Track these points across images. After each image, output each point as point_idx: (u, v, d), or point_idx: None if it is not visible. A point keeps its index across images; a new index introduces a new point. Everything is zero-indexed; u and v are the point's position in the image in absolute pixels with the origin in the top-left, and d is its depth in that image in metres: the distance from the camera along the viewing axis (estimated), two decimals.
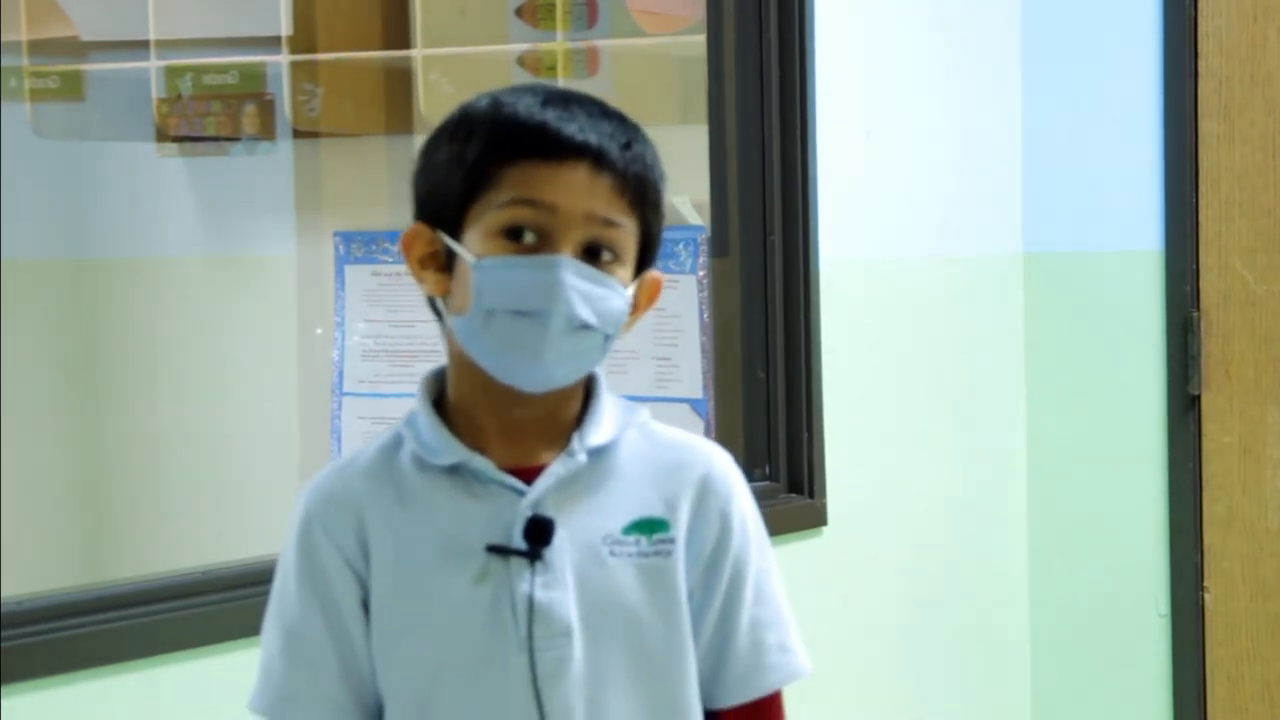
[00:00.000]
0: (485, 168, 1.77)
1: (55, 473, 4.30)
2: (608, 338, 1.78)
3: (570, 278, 1.74)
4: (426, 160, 1.83)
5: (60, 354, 4.33)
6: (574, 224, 1.75)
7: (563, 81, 3.82)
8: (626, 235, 1.79)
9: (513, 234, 1.75)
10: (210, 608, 2.58)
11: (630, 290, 1.80)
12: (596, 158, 1.76)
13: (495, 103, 1.80)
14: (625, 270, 1.79)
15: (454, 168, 1.79)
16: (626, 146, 1.78)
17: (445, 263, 1.80)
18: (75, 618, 2.46)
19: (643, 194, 1.80)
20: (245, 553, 2.75)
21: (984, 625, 4.00)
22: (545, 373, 1.77)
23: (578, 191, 1.75)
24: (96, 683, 2.45)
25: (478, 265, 1.76)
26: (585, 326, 1.76)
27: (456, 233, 1.78)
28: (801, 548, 3.49)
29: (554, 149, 1.76)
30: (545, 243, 1.75)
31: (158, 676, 2.52)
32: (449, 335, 1.82)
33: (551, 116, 1.77)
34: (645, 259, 1.82)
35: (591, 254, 1.76)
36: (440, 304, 1.82)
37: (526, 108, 1.78)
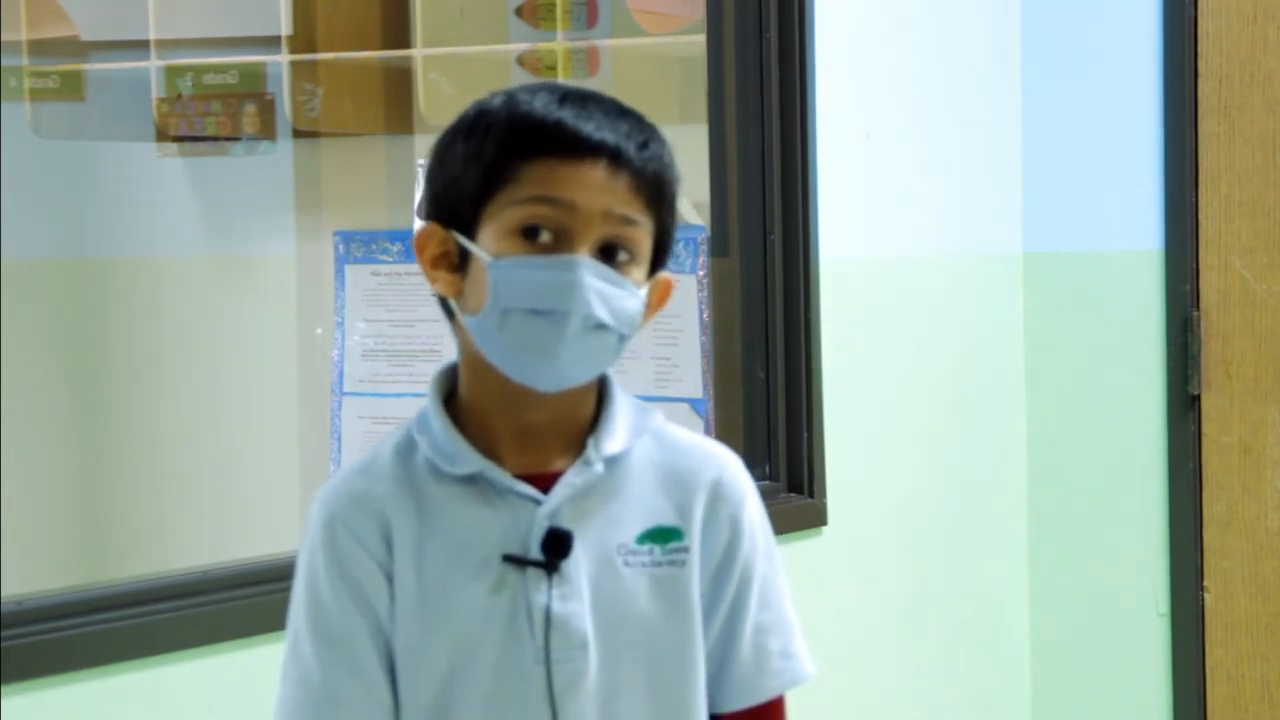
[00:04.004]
0: (502, 165, 1.75)
1: (55, 473, 4.29)
2: (623, 338, 1.78)
3: (588, 278, 1.73)
4: (440, 158, 1.81)
5: (60, 354, 4.32)
6: (592, 222, 1.74)
7: (564, 81, 3.82)
8: (643, 234, 1.78)
9: (529, 233, 1.74)
10: (210, 608, 2.58)
11: (644, 291, 1.79)
12: (614, 156, 1.75)
13: (511, 100, 1.78)
14: (640, 270, 1.79)
15: (469, 165, 1.77)
16: (644, 145, 1.78)
17: (458, 263, 1.79)
18: (75, 618, 2.45)
19: (659, 193, 1.79)
20: (245, 552, 2.75)
21: (984, 625, 4.00)
22: (560, 372, 1.76)
23: (596, 189, 1.74)
24: (96, 683, 2.45)
25: (494, 264, 1.74)
26: (601, 326, 1.75)
27: (471, 232, 1.77)
28: (801, 548, 3.49)
29: (572, 147, 1.75)
30: (562, 242, 1.74)
31: (157, 676, 2.52)
32: (461, 336, 1.81)
33: (569, 114, 1.76)
34: (658, 259, 1.81)
35: (607, 253, 1.75)
36: (453, 304, 1.80)
37: (543, 105, 1.77)
